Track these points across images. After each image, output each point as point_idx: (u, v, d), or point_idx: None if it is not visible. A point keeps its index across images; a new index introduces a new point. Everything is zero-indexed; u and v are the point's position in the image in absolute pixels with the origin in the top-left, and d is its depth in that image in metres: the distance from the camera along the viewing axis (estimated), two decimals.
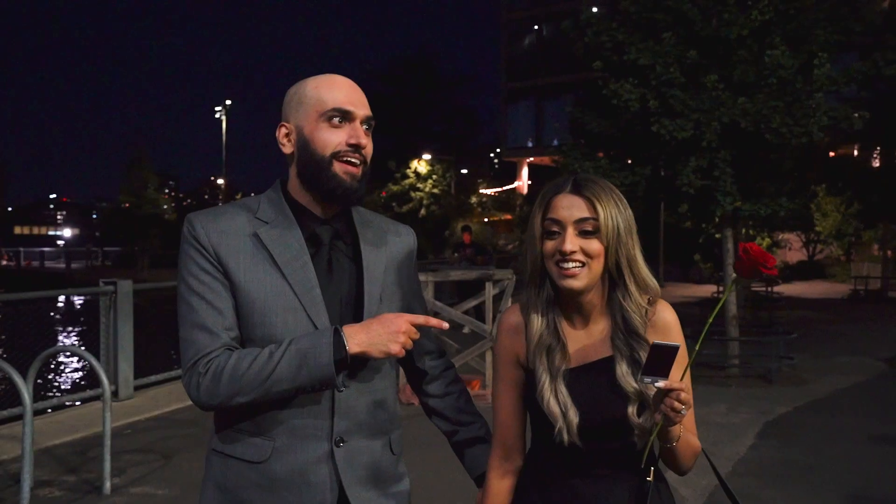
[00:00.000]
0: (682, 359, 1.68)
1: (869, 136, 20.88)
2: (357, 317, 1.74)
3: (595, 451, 1.69)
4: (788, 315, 15.73)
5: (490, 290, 7.97)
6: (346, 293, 1.76)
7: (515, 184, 40.04)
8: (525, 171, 40.25)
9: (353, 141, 1.72)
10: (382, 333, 1.63)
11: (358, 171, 1.74)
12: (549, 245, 1.69)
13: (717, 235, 15.97)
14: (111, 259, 47.63)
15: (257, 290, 1.68)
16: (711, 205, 9.30)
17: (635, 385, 1.65)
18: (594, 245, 1.67)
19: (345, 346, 1.61)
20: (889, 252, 24.55)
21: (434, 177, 36.33)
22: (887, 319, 16.17)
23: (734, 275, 1.65)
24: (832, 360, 10.41)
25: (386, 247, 1.86)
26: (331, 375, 1.60)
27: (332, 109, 1.72)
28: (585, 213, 1.66)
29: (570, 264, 1.66)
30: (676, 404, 1.50)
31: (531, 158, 39.10)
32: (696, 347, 1.64)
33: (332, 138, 1.72)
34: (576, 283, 1.67)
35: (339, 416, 1.71)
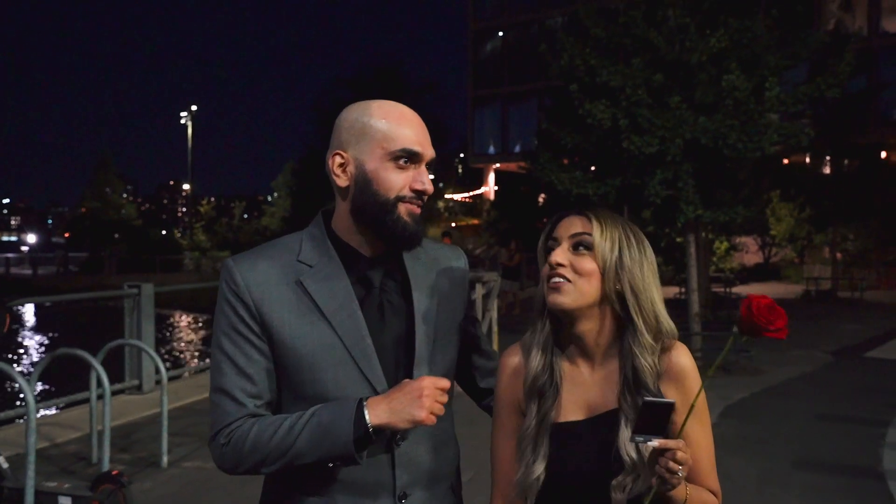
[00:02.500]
0: (694, 408, 1.50)
1: (818, 147, 22.23)
2: (410, 362, 1.64)
3: None
4: None
5: (479, 290, 8.84)
6: (400, 337, 1.64)
7: (483, 189, 41.02)
8: (492, 177, 41.23)
9: (418, 187, 1.62)
10: (405, 402, 1.50)
11: (420, 213, 1.66)
12: (547, 257, 1.60)
13: (678, 239, 17.06)
14: (77, 264, 47.40)
15: (305, 345, 1.58)
16: (675, 212, 10.26)
17: (635, 455, 1.48)
18: (585, 262, 1.55)
19: (366, 422, 1.49)
20: (838, 254, 25.98)
21: None
22: (836, 317, 17.40)
23: (735, 329, 1.49)
24: (785, 354, 11.43)
25: (437, 279, 1.74)
26: (350, 454, 1.49)
27: (400, 150, 1.60)
28: (580, 228, 1.57)
29: (557, 278, 1.54)
30: (672, 465, 1.36)
31: (497, 165, 40.06)
32: (693, 402, 1.48)
33: (398, 181, 1.61)
34: (560, 298, 1.53)
35: (401, 468, 1.61)
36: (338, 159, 1.64)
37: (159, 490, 5.36)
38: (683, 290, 19.73)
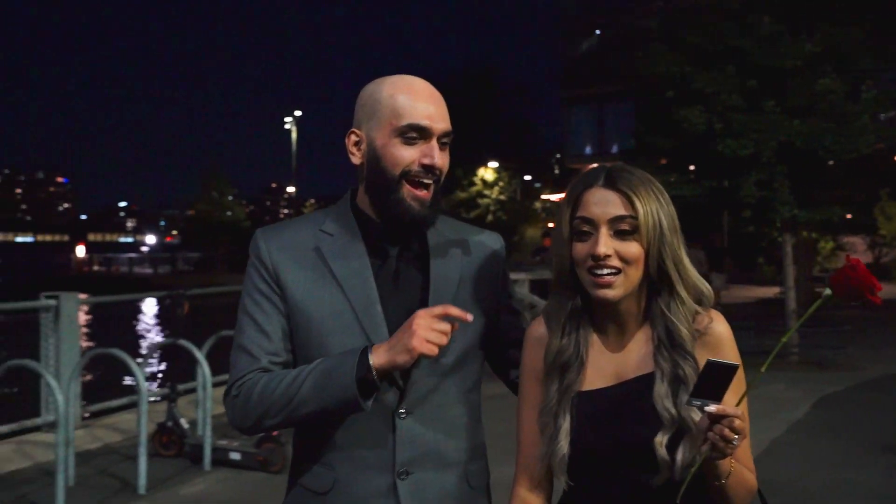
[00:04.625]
0: (738, 381, 1.44)
1: None
2: None
3: (626, 484, 1.48)
4: (848, 312, 16.74)
5: None
6: (412, 309, 1.56)
7: None
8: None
9: (426, 161, 1.59)
10: (399, 336, 1.48)
11: (428, 195, 1.62)
12: (580, 248, 1.47)
13: (780, 239, 17.15)
14: (190, 264, 50.11)
15: (316, 308, 1.61)
16: (770, 212, 10.62)
17: (673, 409, 1.43)
18: (632, 248, 1.44)
19: (368, 363, 1.48)
20: None
21: (500, 184, 37.87)
22: None
23: (828, 291, 1.42)
24: (881, 351, 11.55)
25: (462, 256, 1.71)
26: (353, 396, 1.48)
27: (407, 125, 1.58)
28: (622, 210, 1.44)
29: (605, 271, 1.44)
30: (727, 432, 1.29)
31: (594, 165, 40.05)
32: (763, 369, 1.41)
33: (405, 156, 1.59)
34: (611, 293, 1.45)
35: (402, 445, 1.59)
36: (353, 137, 1.67)
37: None
38: (783, 290, 19.75)
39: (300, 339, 1.63)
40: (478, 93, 43.03)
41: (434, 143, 1.61)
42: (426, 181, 1.61)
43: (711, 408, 1.31)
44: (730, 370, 1.31)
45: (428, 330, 1.46)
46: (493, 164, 38.73)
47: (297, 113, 52.25)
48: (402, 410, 1.59)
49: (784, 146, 10.13)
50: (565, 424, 1.50)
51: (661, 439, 1.42)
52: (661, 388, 1.45)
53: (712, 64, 10.61)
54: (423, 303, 1.63)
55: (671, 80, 10.96)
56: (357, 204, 1.70)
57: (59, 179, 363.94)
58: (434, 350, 1.46)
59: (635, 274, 1.47)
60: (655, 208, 1.46)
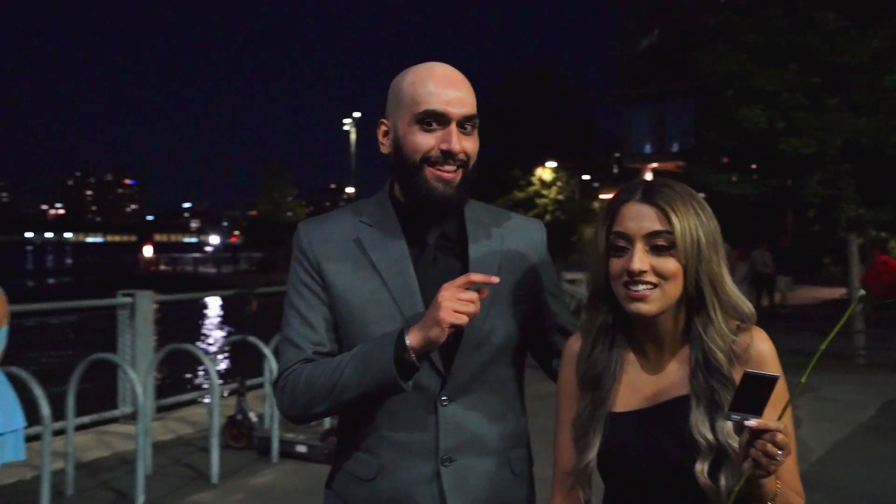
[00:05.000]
0: (780, 395, 1.37)
1: None
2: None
3: None
4: None
5: None
6: None
7: None
8: (648, 177, 40.83)
9: (444, 147, 1.59)
10: (430, 313, 1.49)
11: (454, 176, 1.62)
12: (616, 263, 1.44)
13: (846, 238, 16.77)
14: (253, 264, 51.18)
15: (356, 297, 1.63)
16: (835, 212, 10.43)
17: (710, 436, 1.38)
18: (669, 264, 1.42)
19: (405, 342, 1.49)
20: None
21: (559, 183, 37.74)
22: None
23: (862, 291, 1.39)
24: None
25: (502, 242, 1.72)
26: (392, 377, 1.49)
27: (423, 112, 1.60)
28: (658, 226, 1.41)
29: (640, 286, 1.41)
30: (771, 448, 1.24)
31: (655, 164, 39.69)
32: (803, 380, 1.35)
33: (423, 143, 1.60)
34: (646, 308, 1.42)
35: (445, 432, 1.60)
36: (382, 127, 1.70)
37: None
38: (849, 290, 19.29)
39: (343, 328, 1.65)
40: (536, 92, 42.91)
41: (453, 128, 1.61)
42: (447, 167, 1.61)
43: (752, 422, 1.25)
44: (769, 382, 1.25)
45: (453, 300, 1.47)
46: (552, 164, 38.60)
47: (357, 114, 52.86)
48: (444, 398, 1.60)
49: (849, 144, 9.95)
50: (595, 440, 1.47)
51: (701, 467, 1.38)
52: (696, 415, 1.41)
53: (774, 61, 10.48)
54: None
55: (732, 79, 10.85)
56: (394, 195, 1.72)
57: (127, 181, 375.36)
58: (463, 319, 1.47)
59: (672, 290, 1.43)
60: (694, 224, 1.42)
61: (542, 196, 38.03)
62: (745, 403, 1.26)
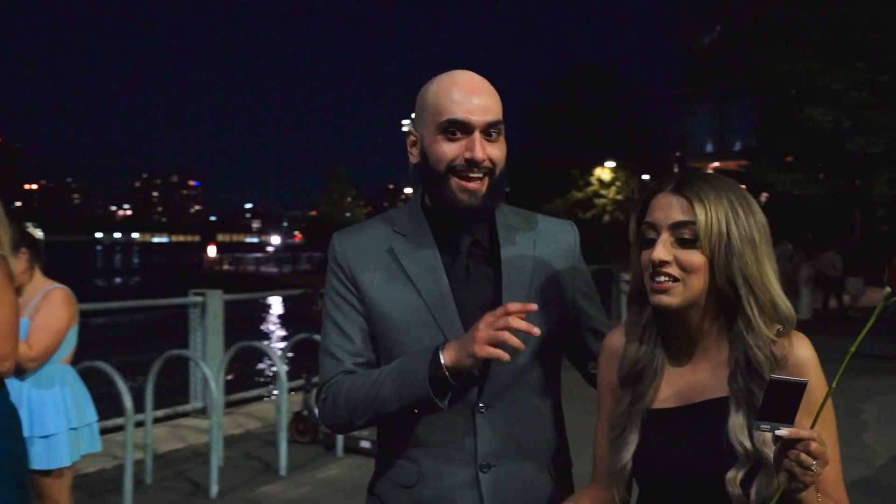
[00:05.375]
0: (816, 403, 1.30)
1: None
2: None
3: None
4: None
5: None
6: (486, 302, 1.63)
7: None
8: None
9: (468, 156, 1.60)
10: (466, 338, 1.50)
11: (479, 186, 1.62)
12: (645, 255, 1.42)
13: None
14: (313, 264, 51.91)
15: (391, 307, 1.65)
16: None
17: (748, 443, 1.32)
18: (694, 257, 1.37)
19: (440, 361, 1.51)
20: None
21: (617, 183, 37.42)
22: None
23: (888, 289, 1.32)
24: None
25: (534, 247, 1.72)
26: (427, 396, 1.50)
27: (446, 121, 1.60)
28: (682, 216, 1.37)
29: (662, 277, 1.38)
30: (805, 458, 1.18)
31: (716, 164, 39.01)
32: (833, 384, 1.28)
33: (447, 152, 1.61)
34: (667, 300, 1.39)
35: (482, 439, 1.61)
36: (411, 138, 1.71)
37: None
38: None
39: (380, 337, 1.67)
40: (595, 91, 42.57)
41: (476, 136, 1.61)
42: (473, 175, 1.61)
43: (783, 431, 1.19)
44: (798, 387, 1.19)
45: (492, 333, 1.46)
46: (610, 164, 38.29)
47: (413, 115, 53.09)
48: (481, 405, 1.61)
49: None
50: (632, 438, 1.45)
51: (734, 475, 1.32)
52: (735, 420, 1.35)
53: (839, 59, 10.29)
54: (497, 294, 1.65)
55: (794, 78, 10.69)
56: (425, 202, 1.73)
57: (192, 183, 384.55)
58: (498, 354, 1.46)
59: (696, 284, 1.38)
60: (721, 217, 1.36)
61: (601, 196, 37.77)
62: (774, 412, 1.20)
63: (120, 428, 6.20)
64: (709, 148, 39.15)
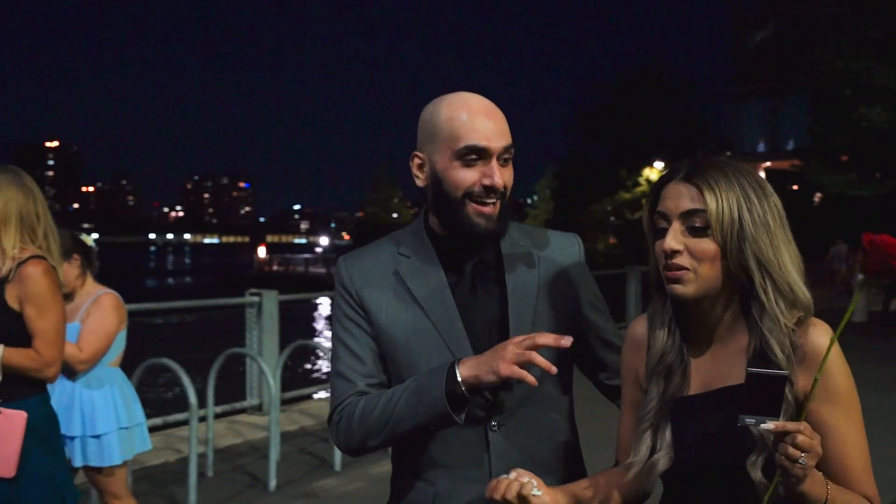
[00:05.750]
0: (838, 391, 1.34)
1: None
2: None
3: (718, 502, 1.40)
4: None
5: None
6: (494, 321, 1.66)
7: None
8: (762, 176, 39.45)
9: (487, 182, 1.61)
10: (489, 356, 1.51)
11: (494, 210, 1.63)
12: (658, 245, 1.41)
13: None
14: None
15: (399, 330, 1.66)
16: None
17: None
18: (706, 245, 1.36)
19: (457, 379, 1.51)
20: None
21: None
22: None
23: (861, 276, 1.35)
24: None
25: (539, 265, 1.73)
26: (444, 410, 1.51)
27: (465, 147, 1.60)
28: (692, 205, 1.36)
29: (674, 267, 1.37)
30: (792, 451, 1.19)
31: (768, 163, 38.32)
32: (817, 376, 1.28)
33: (466, 178, 1.61)
34: (679, 288, 1.38)
35: (496, 457, 1.62)
36: (416, 160, 1.70)
37: None
38: None
39: (389, 360, 1.68)
40: (645, 91, 42.18)
41: (493, 162, 1.62)
42: (488, 201, 1.62)
43: (769, 425, 1.19)
44: (777, 380, 1.19)
45: (519, 354, 1.47)
46: (659, 165, 37.94)
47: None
48: (493, 423, 1.62)
49: None
50: (667, 436, 1.43)
51: (754, 460, 1.31)
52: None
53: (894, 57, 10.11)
54: (504, 313, 1.66)
55: (850, 77, 10.53)
56: (430, 224, 1.73)
57: (241, 184, 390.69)
58: (522, 375, 1.47)
59: (709, 272, 1.37)
60: (732, 203, 1.34)
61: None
62: (758, 405, 1.20)
63: (174, 424, 6.48)
64: (760, 147, 38.42)
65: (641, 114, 41.70)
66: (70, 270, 3.44)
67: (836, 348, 1.34)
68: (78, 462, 3.45)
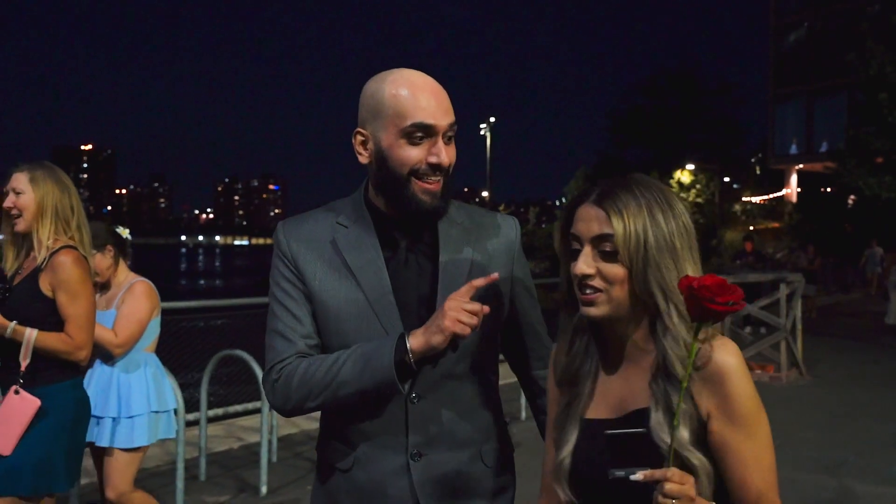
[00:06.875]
0: (741, 412, 1.36)
1: None
2: None
3: None
4: None
5: (784, 290, 9.05)
6: (424, 296, 1.68)
7: (784, 191, 38.76)
8: (794, 179, 38.78)
9: (433, 160, 1.61)
10: (433, 319, 1.55)
11: (438, 187, 1.64)
12: (572, 266, 1.43)
13: None
14: None
15: (331, 298, 1.67)
16: None
17: (669, 441, 1.31)
18: (616, 270, 1.39)
19: (407, 349, 1.54)
20: None
21: (698, 186, 36.47)
22: None
23: (694, 324, 1.30)
24: None
25: (474, 242, 1.74)
26: (391, 378, 1.54)
27: (411, 125, 1.60)
28: (601, 229, 1.39)
29: (587, 290, 1.41)
30: (662, 500, 1.23)
31: (801, 165, 37.60)
32: (676, 423, 1.30)
33: (412, 156, 1.61)
34: (593, 311, 1.41)
35: (414, 428, 1.65)
36: (359, 137, 1.69)
37: None
38: None
39: (321, 327, 1.70)
40: (678, 93, 41.71)
41: (439, 140, 1.63)
42: (433, 178, 1.64)
43: (638, 475, 1.25)
44: (636, 437, 1.25)
45: (459, 311, 1.52)
46: (690, 167, 37.37)
47: (492, 119, 52.96)
48: (413, 395, 1.65)
49: None
50: (571, 438, 1.48)
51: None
52: (656, 419, 1.36)
53: None
54: (433, 290, 1.68)
55: (887, 80, 10.12)
56: (369, 198, 1.75)
57: (271, 187, 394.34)
58: (465, 329, 1.53)
59: (620, 294, 1.40)
60: (640, 228, 1.37)
61: (680, 199, 36.82)
62: (623, 459, 1.26)
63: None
64: (793, 149, 37.74)
65: (674, 116, 41.24)
66: (103, 260, 3.55)
67: (741, 368, 1.37)
68: (105, 442, 3.50)
